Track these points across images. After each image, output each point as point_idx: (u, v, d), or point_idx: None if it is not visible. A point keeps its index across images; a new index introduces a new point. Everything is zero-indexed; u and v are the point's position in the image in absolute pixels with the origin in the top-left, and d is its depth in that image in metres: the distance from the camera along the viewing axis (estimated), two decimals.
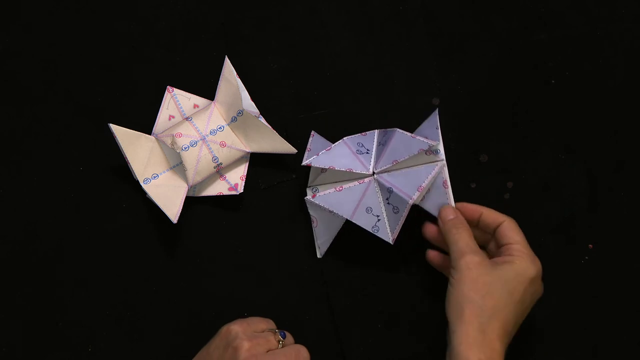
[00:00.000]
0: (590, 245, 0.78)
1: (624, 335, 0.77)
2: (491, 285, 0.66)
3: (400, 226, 0.72)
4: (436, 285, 0.76)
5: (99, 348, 0.76)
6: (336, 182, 0.75)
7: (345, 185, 0.73)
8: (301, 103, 0.80)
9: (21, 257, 0.77)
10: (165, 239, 0.78)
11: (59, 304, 0.76)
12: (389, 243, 0.73)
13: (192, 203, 0.78)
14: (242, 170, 0.78)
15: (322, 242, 0.77)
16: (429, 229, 0.74)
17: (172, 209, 0.74)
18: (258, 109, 0.79)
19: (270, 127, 0.77)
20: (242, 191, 0.77)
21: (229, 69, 0.76)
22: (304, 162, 0.73)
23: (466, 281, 0.67)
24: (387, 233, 0.73)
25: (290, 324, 0.75)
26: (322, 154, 0.73)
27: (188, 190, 0.75)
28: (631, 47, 0.82)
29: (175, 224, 0.73)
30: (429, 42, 0.81)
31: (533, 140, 0.80)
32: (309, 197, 0.74)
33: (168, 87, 0.78)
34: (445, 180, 0.73)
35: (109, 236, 0.77)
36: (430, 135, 0.73)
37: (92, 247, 0.77)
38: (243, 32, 0.81)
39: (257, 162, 0.79)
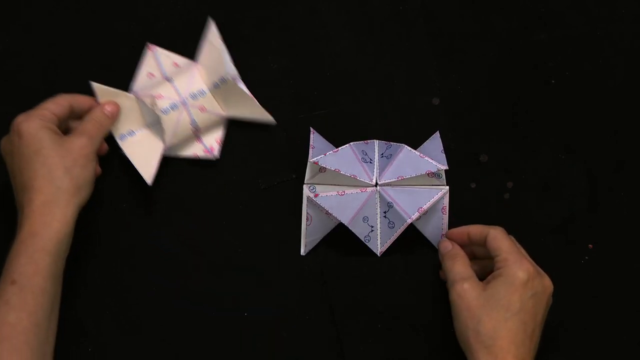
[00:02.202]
0: (590, 245, 0.78)
1: (624, 335, 0.77)
2: (485, 308, 0.66)
3: (392, 241, 0.74)
4: (436, 285, 0.76)
5: (99, 348, 0.76)
6: (336, 184, 0.75)
7: (348, 191, 0.73)
8: (301, 103, 0.80)
9: None
10: (166, 238, 0.77)
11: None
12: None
13: (192, 203, 0.78)
14: (218, 133, 0.78)
15: (310, 240, 0.77)
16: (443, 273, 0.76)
17: (148, 170, 0.74)
18: None
19: (251, 94, 0.77)
20: (218, 156, 0.77)
21: (213, 32, 0.76)
22: (311, 160, 0.74)
23: (462, 310, 0.68)
24: (377, 245, 0.74)
25: (290, 324, 0.75)
26: (329, 155, 0.73)
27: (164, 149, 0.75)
28: (631, 47, 0.82)
29: (151, 185, 0.73)
30: (429, 42, 0.81)
31: (533, 140, 0.80)
32: (310, 195, 0.74)
33: (149, 44, 0.78)
34: (445, 207, 0.75)
35: (109, 236, 0.77)
36: (435, 157, 0.74)
37: (92, 247, 0.77)
38: (243, 32, 0.81)
39: (257, 161, 0.79)
